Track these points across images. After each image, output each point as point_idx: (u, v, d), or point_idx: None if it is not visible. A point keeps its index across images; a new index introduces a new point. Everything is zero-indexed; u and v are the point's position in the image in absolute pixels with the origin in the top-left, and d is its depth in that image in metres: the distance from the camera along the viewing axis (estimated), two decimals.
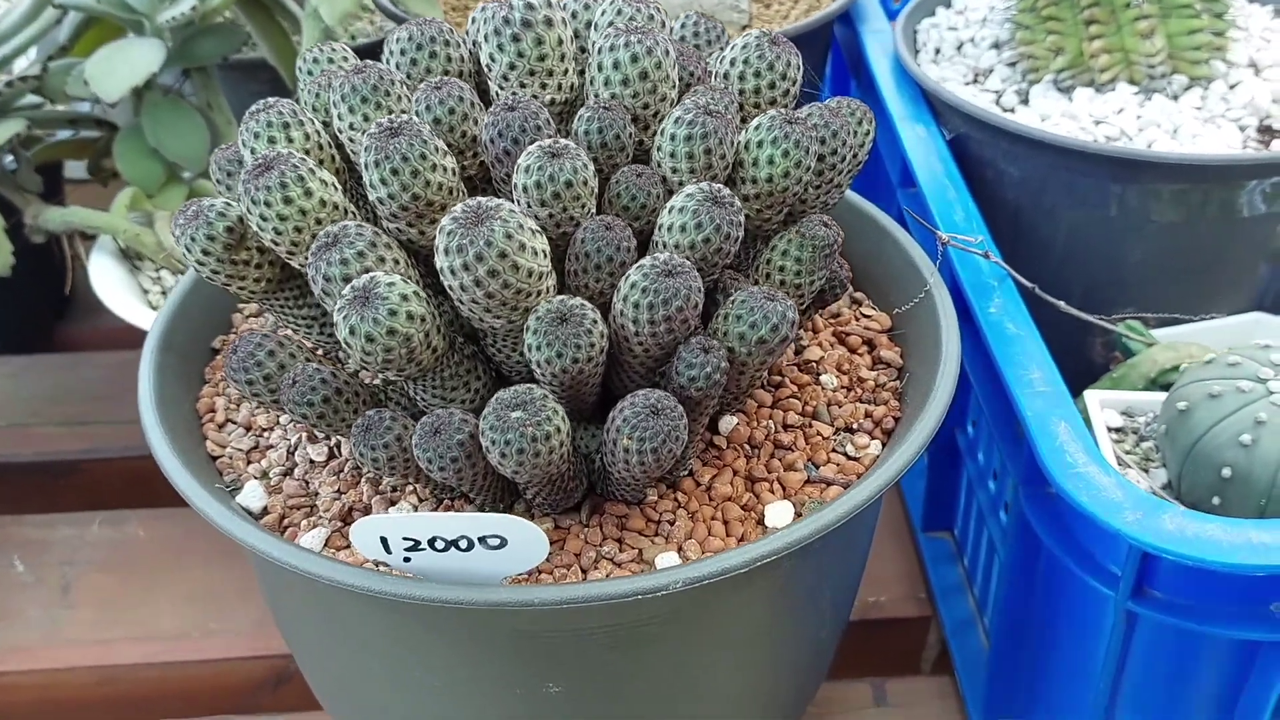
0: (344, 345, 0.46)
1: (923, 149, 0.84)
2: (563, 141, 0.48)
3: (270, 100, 0.53)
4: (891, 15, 1.07)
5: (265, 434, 0.58)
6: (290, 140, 0.52)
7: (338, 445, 0.57)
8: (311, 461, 0.56)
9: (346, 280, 0.47)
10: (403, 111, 0.52)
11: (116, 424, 1.02)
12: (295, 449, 0.57)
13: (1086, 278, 0.84)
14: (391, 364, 0.46)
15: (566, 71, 0.53)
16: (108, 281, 0.86)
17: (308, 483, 0.55)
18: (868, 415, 0.58)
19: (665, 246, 0.49)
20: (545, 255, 0.47)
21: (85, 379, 1.08)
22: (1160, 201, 0.79)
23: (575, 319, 0.46)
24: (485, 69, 0.53)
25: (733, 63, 0.55)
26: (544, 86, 0.53)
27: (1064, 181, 0.81)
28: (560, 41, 0.52)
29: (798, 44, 0.55)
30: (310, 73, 0.59)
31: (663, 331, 0.47)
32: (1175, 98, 0.87)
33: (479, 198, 0.46)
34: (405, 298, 0.46)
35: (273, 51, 0.98)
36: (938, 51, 0.99)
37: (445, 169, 0.49)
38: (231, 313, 0.66)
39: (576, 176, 0.48)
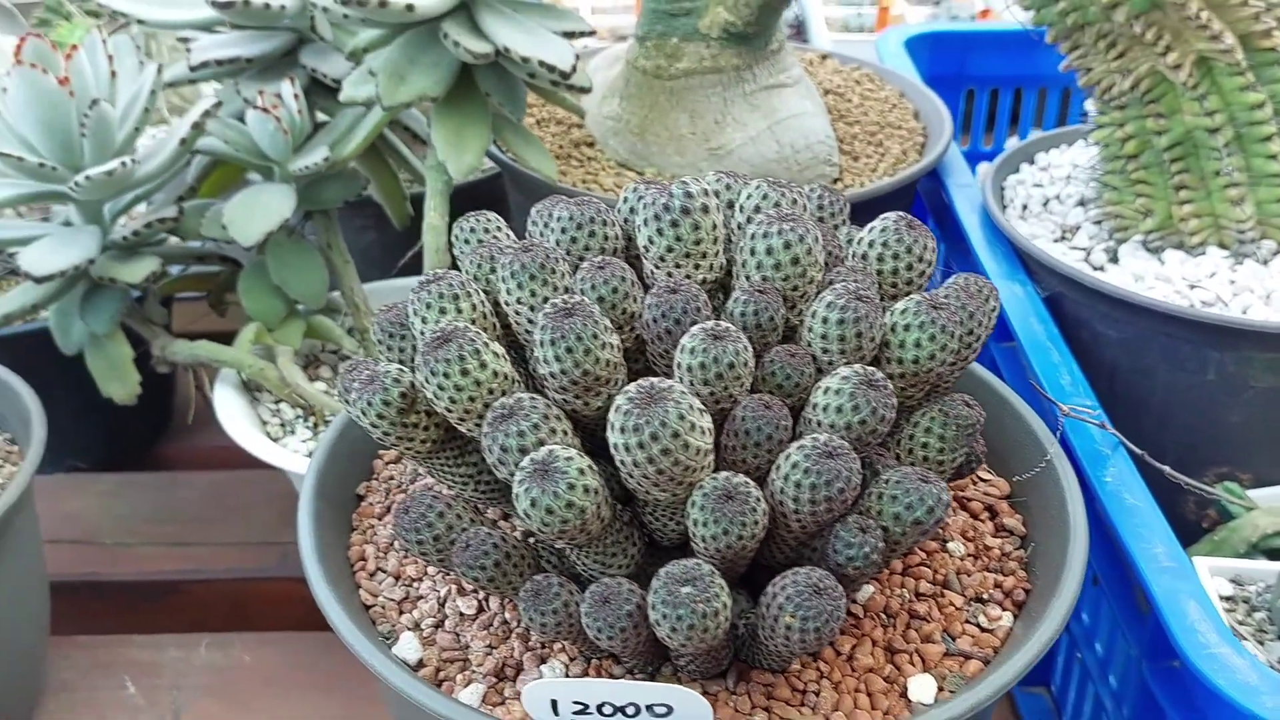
0: (523, 516, 0.48)
1: (1020, 308, 0.87)
2: (723, 324, 0.51)
3: (439, 272, 0.57)
4: (972, 164, 1.11)
5: (415, 584, 0.60)
6: (459, 311, 0.56)
7: (486, 599, 0.59)
8: (461, 614, 0.58)
9: (523, 451, 0.50)
10: (566, 289, 0.55)
11: (215, 545, 1.05)
12: (445, 601, 0.59)
13: (1182, 437, 0.86)
14: (565, 534, 0.49)
15: (717, 254, 0.57)
16: (230, 412, 0.89)
17: (459, 636, 0.57)
18: (997, 585, 0.59)
19: (820, 425, 0.51)
20: (710, 433, 0.50)
21: (182, 499, 1.11)
22: (1257, 367, 0.81)
23: (740, 497, 0.49)
24: (643, 250, 0.57)
25: (871, 244, 0.58)
26: (697, 267, 0.56)
27: (1162, 345, 0.83)
28: (714, 226, 0.56)
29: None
30: (466, 241, 0.62)
31: (822, 511, 0.49)
32: (1265, 262, 0.89)
33: (651, 379, 0.49)
34: (582, 471, 0.48)
35: (381, 191, 1.04)
36: (1024, 207, 1.02)
37: (612, 346, 0.52)
38: (372, 459, 0.69)
39: (738, 359, 0.51)
